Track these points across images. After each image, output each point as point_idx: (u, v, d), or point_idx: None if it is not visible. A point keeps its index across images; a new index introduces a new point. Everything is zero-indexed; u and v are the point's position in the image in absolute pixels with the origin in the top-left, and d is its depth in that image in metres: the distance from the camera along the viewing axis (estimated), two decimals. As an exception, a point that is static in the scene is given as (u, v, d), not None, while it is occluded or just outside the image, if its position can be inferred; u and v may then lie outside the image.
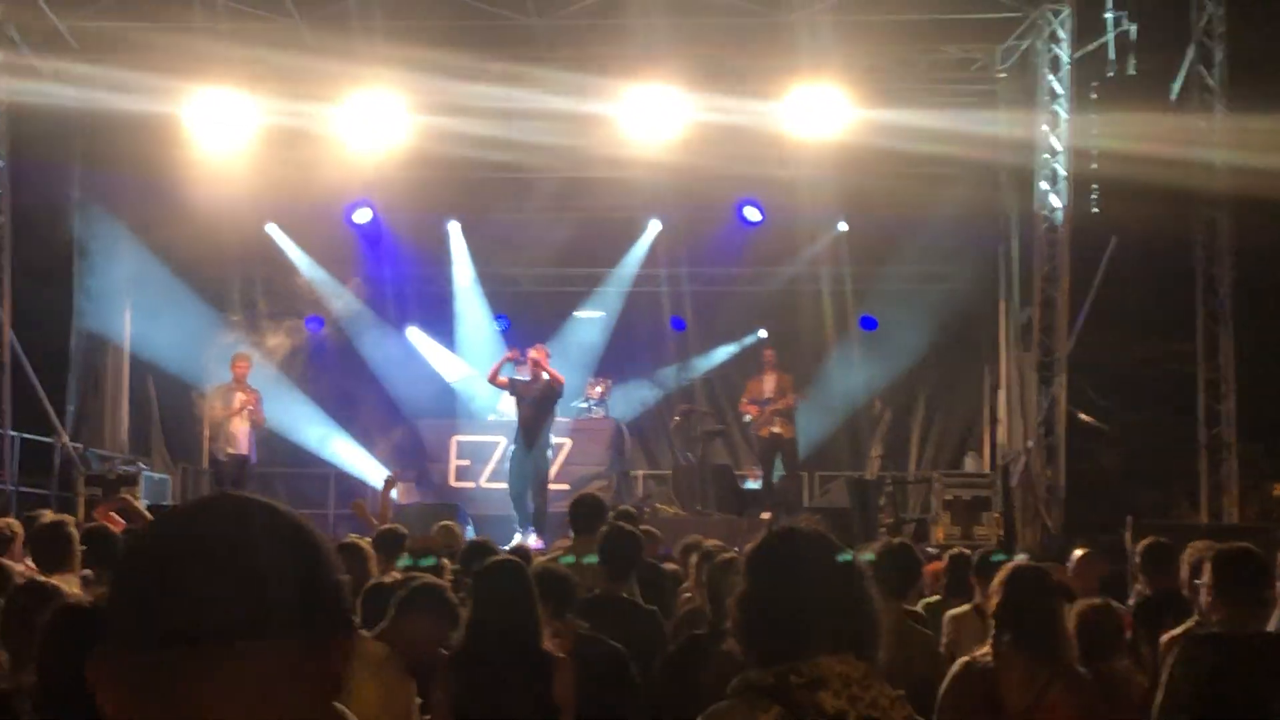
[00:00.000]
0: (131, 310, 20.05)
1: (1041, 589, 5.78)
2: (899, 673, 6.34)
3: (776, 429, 18.88)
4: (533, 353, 17.30)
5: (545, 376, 16.94)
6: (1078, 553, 9.84)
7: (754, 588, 3.45)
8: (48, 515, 8.86)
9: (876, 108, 18.23)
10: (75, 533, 8.02)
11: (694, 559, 8.23)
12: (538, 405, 16.81)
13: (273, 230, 21.81)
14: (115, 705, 1.57)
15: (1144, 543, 8.94)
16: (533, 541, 15.39)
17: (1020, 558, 10.12)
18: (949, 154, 20.02)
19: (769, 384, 18.99)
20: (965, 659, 5.84)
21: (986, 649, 5.72)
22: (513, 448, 17.14)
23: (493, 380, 17.30)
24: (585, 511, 9.37)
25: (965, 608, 8.26)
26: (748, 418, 19.57)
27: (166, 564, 1.58)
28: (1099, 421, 19.75)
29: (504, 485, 17.65)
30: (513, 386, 17.03)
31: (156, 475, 19.12)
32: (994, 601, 5.77)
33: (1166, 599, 8.09)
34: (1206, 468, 17.78)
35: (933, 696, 5.86)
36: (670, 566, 9.65)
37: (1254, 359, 18.00)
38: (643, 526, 10.18)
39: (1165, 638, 6.52)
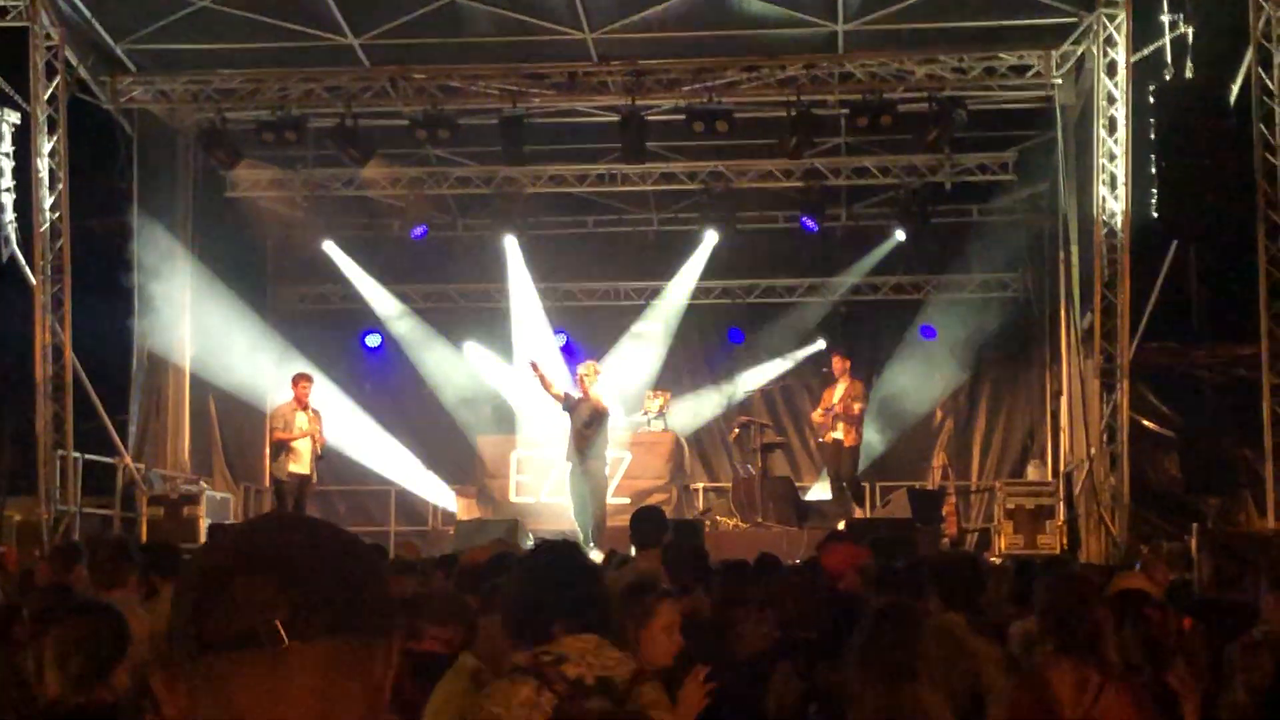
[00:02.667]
0: (191, 330, 20.20)
1: (1082, 593, 5.71)
2: (966, 685, 6.33)
3: (838, 434, 18.70)
4: (581, 369, 17.28)
5: (594, 395, 16.88)
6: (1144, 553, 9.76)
7: (512, 589, 4.62)
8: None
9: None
10: (133, 551, 8.07)
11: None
12: (587, 423, 16.78)
13: (330, 248, 21.95)
14: (177, 711, 1.64)
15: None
16: (594, 555, 15.36)
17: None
18: (1006, 160, 19.99)
19: (837, 391, 18.81)
20: (1016, 673, 5.80)
21: (1038, 660, 5.68)
22: (569, 465, 17.12)
23: (550, 393, 17.24)
24: (646, 524, 9.35)
25: (1029, 619, 8.16)
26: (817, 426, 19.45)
27: (216, 574, 1.65)
28: (1162, 428, 19.55)
29: (564, 499, 17.65)
30: (567, 401, 17.00)
31: (219, 495, 19.24)
32: (1037, 609, 5.72)
33: (1231, 606, 8.00)
34: (1272, 473, 17.56)
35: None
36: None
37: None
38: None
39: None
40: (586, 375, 16.99)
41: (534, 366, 17.10)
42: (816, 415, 19.17)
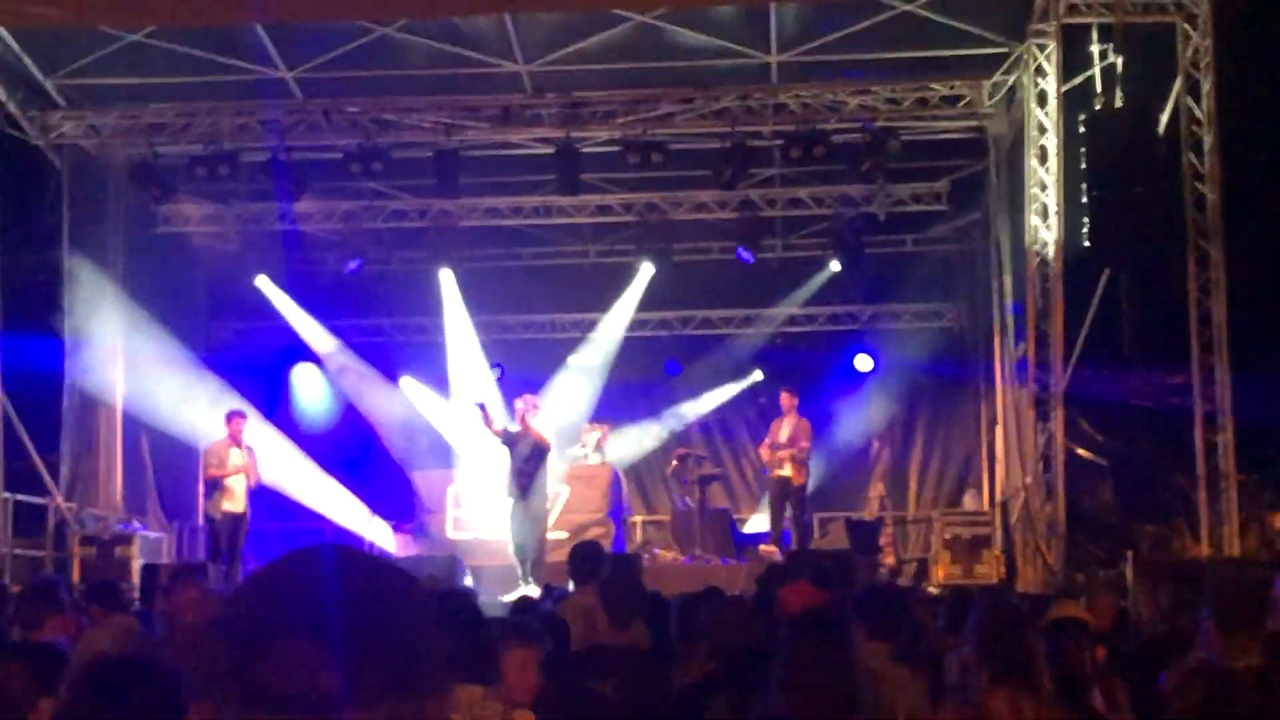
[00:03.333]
0: (124, 368, 19.99)
1: (1013, 621, 5.71)
2: (892, 715, 6.31)
3: (785, 472, 18.69)
4: (519, 403, 17.21)
5: (534, 429, 16.81)
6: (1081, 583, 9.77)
7: None
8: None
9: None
10: (63, 595, 7.95)
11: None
12: (528, 458, 16.71)
13: (264, 283, 21.79)
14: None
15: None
16: (533, 590, 15.27)
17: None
18: (939, 190, 20.11)
19: (785, 428, 18.80)
20: (951, 705, 5.79)
21: (972, 692, 5.67)
22: (510, 500, 17.03)
23: (489, 428, 17.14)
24: (583, 559, 9.30)
25: (963, 649, 8.15)
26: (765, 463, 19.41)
27: (260, 630, 1.60)
28: (1097, 456, 19.68)
29: (503, 535, 17.54)
30: (506, 436, 16.92)
31: (152, 534, 19.01)
32: (969, 640, 5.71)
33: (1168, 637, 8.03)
34: (1205, 499, 17.70)
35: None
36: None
37: (1251, 389, 17.93)
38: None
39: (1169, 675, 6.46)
40: (526, 410, 16.92)
41: (482, 408, 17.02)
42: (764, 450, 19.08)
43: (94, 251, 19.37)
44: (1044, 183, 17.71)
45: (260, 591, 1.66)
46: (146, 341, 19.85)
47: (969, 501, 20.84)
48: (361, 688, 1.56)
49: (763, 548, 18.40)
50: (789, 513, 18.69)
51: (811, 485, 21.00)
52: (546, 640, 5.72)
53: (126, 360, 19.96)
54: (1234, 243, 17.22)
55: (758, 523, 21.31)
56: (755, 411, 21.03)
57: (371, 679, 1.57)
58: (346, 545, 1.72)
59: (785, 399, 19.08)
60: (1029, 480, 17.72)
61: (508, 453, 16.91)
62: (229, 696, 1.58)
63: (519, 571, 16.56)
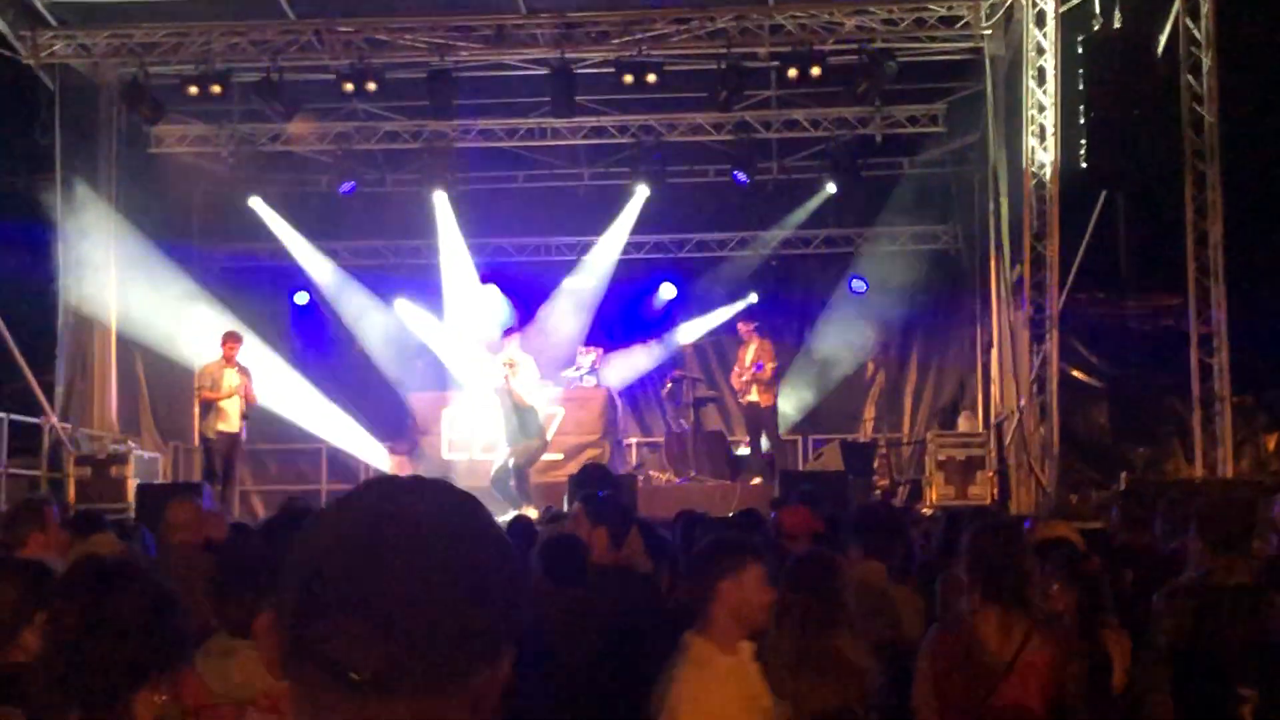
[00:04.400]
0: (117, 288, 19.95)
1: (1008, 541, 5.73)
2: (887, 633, 6.35)
3: (753, 397, 18.81)
4: (501, 357, 17.26)
5: (516, 375, 16.86)
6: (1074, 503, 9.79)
7: None
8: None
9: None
10: (50, 514, 7.92)
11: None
12: (510, 414, 16.81)
13: (257, 204, 21.71)
14: (268, 664, 1.55)
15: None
16: (529, 511, 15.31)
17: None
18: (935, 112, 20.02)
19: (749, 353, 18.91)
20: (940, 621, 5.82)
21: (963, 609, 5.70)
22: (503, 459, 17.12)
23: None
24: (590, 482, 9.24)
25: (954, 569, 8.18)
26: (735, 387, 19.53)
27: (314, 589, 1.51)
28: (1091, 379, 19.71)
29: (494, 457, 17.59)
30: (498, 393, 17.05)
31: (147, 454, 19.04)
32: (964, 558, 5.73)
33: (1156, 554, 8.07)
34: (1200, 421, 17.74)
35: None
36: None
37: (1246, 311, 17.93)
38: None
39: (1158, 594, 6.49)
40: (508, 366, 16.91)
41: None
42: (734, 379, 19.27)
43: (87, 172, 19.28)
44: (1041, 104, 17.62)
45: (327, 542, 1.55)
46: (141, 262, 19.79)
47: (963, 424, 20.87)
48: (397, 678, 1.49)
49: (754, 481, 18.42)
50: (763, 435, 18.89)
51: (808, 407, 21.13)
52: None
53: (120, 281, 19.91)
54: (1231, 165, 17.15)
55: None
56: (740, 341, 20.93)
57: (408, 671, 1.49)
58: (426, 490, 1.61)
59: (741, 327, 19.27)
60: (1023, 402, 17.75)
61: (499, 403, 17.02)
62: (287, 644, 1.53)
63: (513, 495, 16.63)
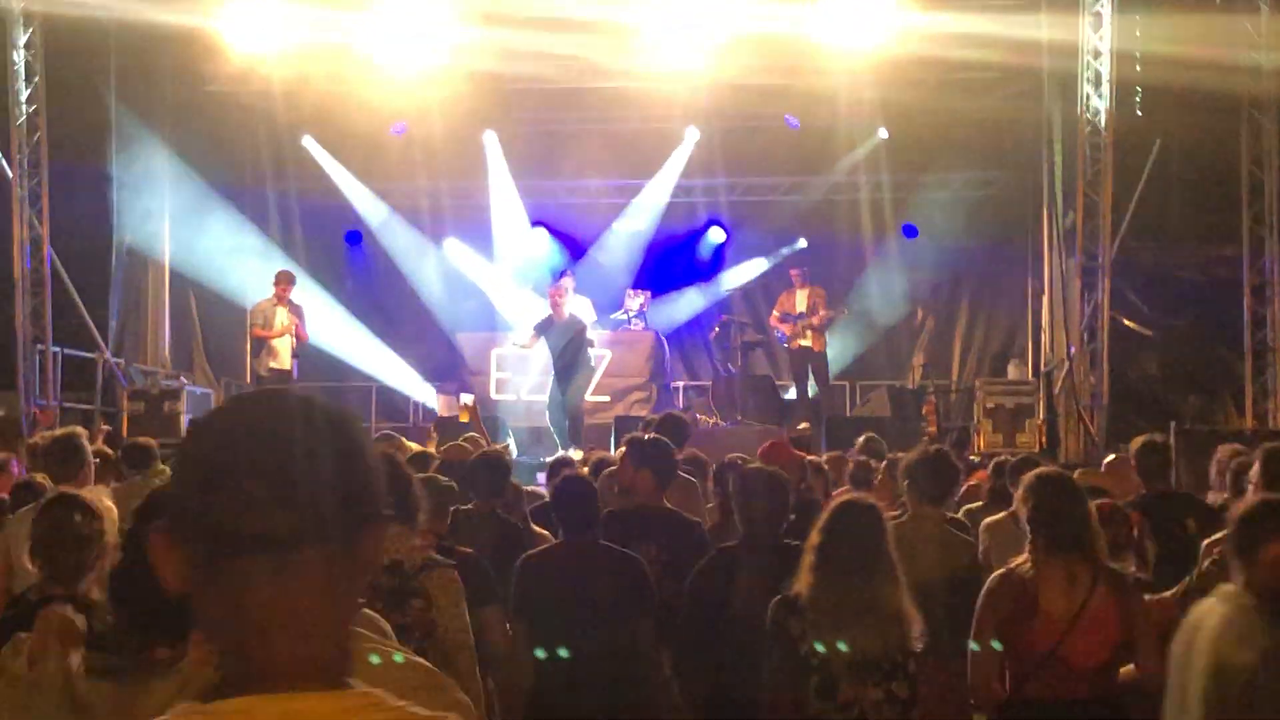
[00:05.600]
0: (171, 226, 20.07)
1: (1071, 492, 5.73)
2: (939, 577, 6.37)
3: (807, 342, 18.83)
4: (551, 290, 17.32)
5: (567, 312, 16.93)
6: (1110, 457, 9.74)
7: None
8: (58, 430, 8.85)
9: (916, 11, 17.98)
10: (86, 445, 8.02)
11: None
12: (564, 345, 16.83)
13: (309, 144, 21.75)
14: (173, 579, 1.70)
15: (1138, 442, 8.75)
16: (574, 454, 15.40)
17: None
18: (991, 59, 19.81)
19: (801, 299, 18.90)
20: (1003, 569, 5.81)
21: (1025, 557, 5.69)
22: (551, 383, 17.19)
23: (530, 345, 17.37)
24: (669, 433, 9.10)
25: (1001, 515, 8.18)
26: (778, 332, 19.47)
27: (220, 472, 1.66)
28: (1143, 328, 19.60)
29: (544, 397, 17.68)
30: (541, 327, 17.06)
31: (199, 390, 19.22)
32: (1024, 508, 5.73)
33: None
34: (1250, 372, 17.63)
35: (973, 598, 5.85)
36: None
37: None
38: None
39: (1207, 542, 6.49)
40: (558, 295, 16.98)
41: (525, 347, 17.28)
42: (774, 319, 19.26)
43: (141, 109, 19.38)
44: (1098, 50, 17.45)
45: (217, 433, 1.72)
46: (194, 200, 19.92)
47: (1012, 371, 20.79)
48: (314, 525, 1.65)
49: (800, 426, 18.43)
50: (811, 380, 18.91)
51: (856, 353, 21.09)
52: None
53: (174, 218, 20.05)
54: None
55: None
56: (788, 285, 20.85)
57: (321, 517, 1.66)
58: (297, 393, 1.79)
59: (794, 273, 19.26)
60: (1074, 350, 17.68)
61: (545, 341, 17.05)
62: (190, 535, 1.67)
63: (556, 440, 16.72)
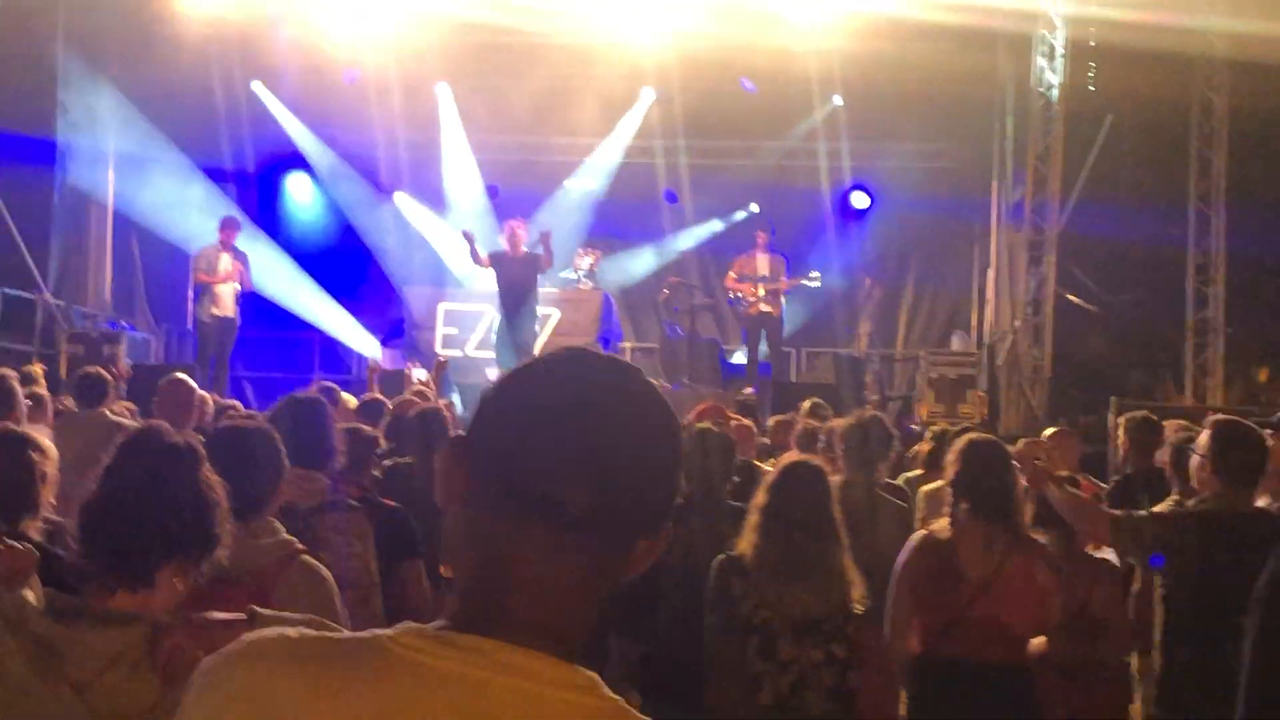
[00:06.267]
0: (115, 168, 19.83)
1: (999, 459, 5.79)
2: (869, 542, 6.40)
3: (766, 307, 18.82)
4: (513, 223, 17.18)
5: (524, 248, 16.82)
6: (1051, 430, 9.81)
7: None
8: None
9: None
10: (17, 386, 7.88)
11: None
12: (520, 276, 16.70)
13: (260, 89, 21.52)
14: (444, 496, 1.72)
15: (1129, 418, 8.87)
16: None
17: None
18: (946, 25, 19.80)
19: (762, 264, 18.87)
20: (924, 531, 5.89)
21: (946, 520, 5.76)
22: (498, 318, 17.07)
23: (478, 263, 17.13)
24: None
25: (938, 483, 8.22)
26: (734, 294, 19.43)
27: (527, 429, 1.66)
28: (1087, 303, 19.72)
29: (490, 354, 17.61)
30: (493, 258, 16.89)
31: (140, 335, 19.03)
32: (951, 471, 5.79)
33: (1147, 477, 8.10)
34: (1192, 350, 17.77)
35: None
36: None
37: (1245, 243, 17.92)
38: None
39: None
40: (518, 227, 16.90)
41: (468, 236, 16.98)
42: (732, 280, 19.15)
43: (90, 49, 19.09)
44: (1052, 23, 17.48)
45: (551, 385, 1.71)
46: (140, 142, 19.68)
47: (956, 343, 20.89)
48: (603, 513, 1.64)
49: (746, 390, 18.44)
50: (765, 346, 18.91)
51: (802, 320, 21.10)
52: None
53: (119, 160, 19.80)
54: (1238, 85, 17.07)
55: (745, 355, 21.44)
56: (748, 244, 20.86)
57: (611, 508, 1.65)
58: (640, 375, 1.76)
59: (761, 236, 19.17)
60: (1018, 323, 17.77)
61: (495, 275, 16.91)
62: (485, 474, 1.68)
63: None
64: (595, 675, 1.65)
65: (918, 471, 9.28)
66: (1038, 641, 5.62)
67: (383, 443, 8.00)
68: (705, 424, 7.22)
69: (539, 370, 1.74)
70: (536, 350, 17.61)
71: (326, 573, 4.28)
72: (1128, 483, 8.44)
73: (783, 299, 18.99)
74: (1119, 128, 18.15)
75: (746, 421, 10.23)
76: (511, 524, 1.64)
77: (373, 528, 5.69)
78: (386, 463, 7.55)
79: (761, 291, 18.79)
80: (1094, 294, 19.76)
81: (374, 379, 13.74)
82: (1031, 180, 17.71)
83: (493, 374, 16.69)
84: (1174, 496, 6.48)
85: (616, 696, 1.64)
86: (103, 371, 10.08)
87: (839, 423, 7.72)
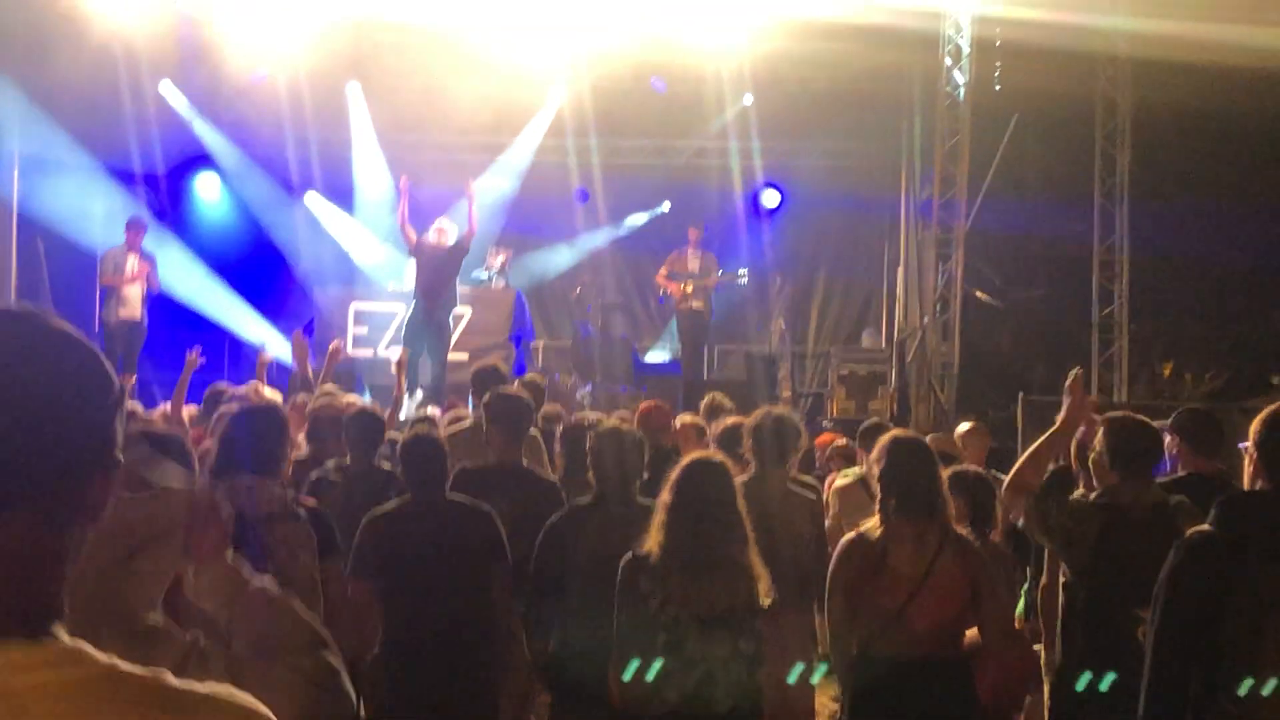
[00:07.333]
0: (19, 168, 19.56)
1: (924, 456, 5.85)
2: (784, 535, 6.46)
3: (698, 304, 18.90)
4: (439, 222, 17.08)
5: (448, 243, 16.71)
6: (965, 425, 9.92)
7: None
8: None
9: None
10: None
11: (558, 429, 8.27)
12: (442, 267, 16.61)
13: (168, 89, 21.31)
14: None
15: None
16: (432, 410, 15.27)
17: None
18: (854, 24, 19.95)
19: (693, 261, 18.95)
20: (854, 532, 5.93)
21: (875, 521, 5.80)
22: (410, 313, 16.97)
23: (403, 225, 16.94)
24: (487, 381, 9.33)
25: (849, 479, 8.31)
26: (663, 291, 19.48)
27: None
28: (994, 299, 19.94)
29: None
30: (417, 248, 16.77)
31: (46, 338, 18.73)
32: (876, 470, 5.84)
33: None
34: (1098, 346, 18.02)
35: (819, 556, 5.94)
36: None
37: (1149, 240, 18.19)
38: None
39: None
40: (444, 228, 16.81)
41: (404, 188, 16.79)
42: (677, 285, 19.17)
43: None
44: (958, 25, 17.66)
45: None
46: (45, 143, 19.42)
47: (867, 340, 21.05)
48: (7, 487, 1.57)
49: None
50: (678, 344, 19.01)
51: (715, 318, 21.21)
52: None
53: (23, 161, 19.53)
54: (1141, 84, 17.31)
55: (658, 353, 21.47)
56: (660, 242, 20.92)
57: (18, 475, 1.57)
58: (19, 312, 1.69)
59: (693, 232, 19.21)
60: (927, 320, 17.93)
61: (416, 263, 16.82)
62: None
63: (406, 386, 16.48)
64: (81, 644, 1.56)
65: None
66: (972, 633, 5.70)
67: (302, 445, 7.98)
68: (613, 421, 7.26)
69: None
70: (450, 345, 17.55)
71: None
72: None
73: (710, 296, 19.07)
74: (1025, 126, 18.37)
75: (691, 420, 10.20)
76: None
77: (316, 537, 5.74)
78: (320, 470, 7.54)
79: (690, 288, 18.87)
80: (1001, 290, 19.99)
81: (263, 370, 13.59)
82: (939, 178, 17.89)
83: (395, 356, 16.54)
84: (1079, 491, 6.58)
85: (109, 660, 1.54)
86: None
87: (749, 418, 7.76)
